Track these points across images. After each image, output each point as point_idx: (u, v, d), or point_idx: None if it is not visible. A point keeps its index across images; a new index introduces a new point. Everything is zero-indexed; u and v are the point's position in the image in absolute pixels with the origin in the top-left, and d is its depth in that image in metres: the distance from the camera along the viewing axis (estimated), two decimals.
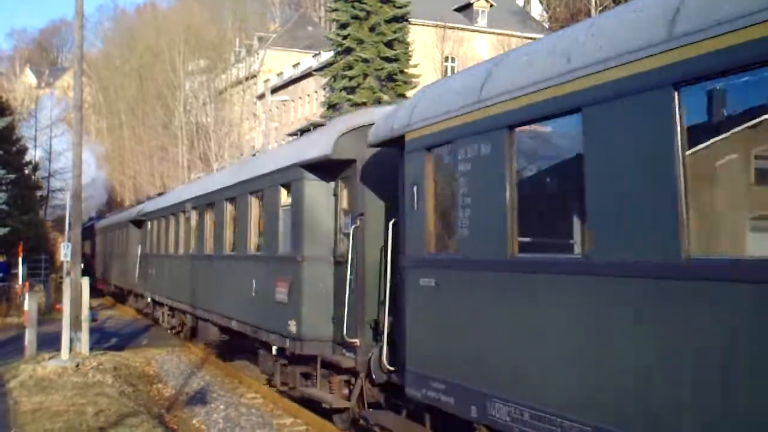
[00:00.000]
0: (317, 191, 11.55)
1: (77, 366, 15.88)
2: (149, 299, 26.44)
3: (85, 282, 18.24)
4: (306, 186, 11.63)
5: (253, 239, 14.58)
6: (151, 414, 12.78)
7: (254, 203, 14.50)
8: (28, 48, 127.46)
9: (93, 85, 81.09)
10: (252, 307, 13.95)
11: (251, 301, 13.95)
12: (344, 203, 11.20)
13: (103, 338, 21.77)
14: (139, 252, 28.38)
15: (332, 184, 11.52)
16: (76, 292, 17.93)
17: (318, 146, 11.36)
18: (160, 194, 30.98)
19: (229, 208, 16.19)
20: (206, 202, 18.04)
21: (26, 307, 19.10)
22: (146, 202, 31.76)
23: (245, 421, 12.66)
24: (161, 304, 24.51)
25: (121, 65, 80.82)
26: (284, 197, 12.67)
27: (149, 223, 26.47)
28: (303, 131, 13.75)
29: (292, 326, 11.63)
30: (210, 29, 72.24)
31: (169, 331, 23.91)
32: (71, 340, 17.03)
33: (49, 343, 18.09)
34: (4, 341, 22.18)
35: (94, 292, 37.77)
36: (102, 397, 13.27)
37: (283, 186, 12.68)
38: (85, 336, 17.57)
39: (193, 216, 19.24)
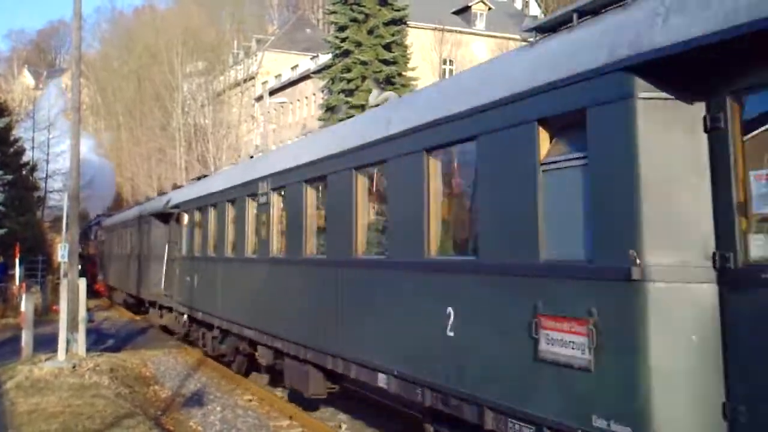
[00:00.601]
0: (665, 126, 5.37)
1: (74, 367, 15.87)
2: (185, 316, 19.99)
3: (82, 283, 18.22)
4: (641, 114, 5.37)
5: (433, 233, 8.06)
6: (148, 416, 12.77)
7: (434, 168, 8.07)
8: (26, 49, 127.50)
9: (91, 87, 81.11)
10: (448, 359, 7.43)
11: (445, 348, 7.46)
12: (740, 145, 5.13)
13: (99, 340, 21.75)
14: (166, 253, 22.65)
15: (699, 107, 5.34)
16: (72, 293, 17.91)
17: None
18: (199, 177, 23.30)
19: (360, 183, 9.86)
20: (305, 179, 11.47)
21: (23, 308, 19.09)
22: (174, 191, 26.29)
23: (242, 423, 12.65)
24: (206, 325, 17.97)
25: (119, 67, 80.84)
26: (545, 146, 6.34)
27: (185, 216, 19.81)
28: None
29: (609, 421, 5.50)
30: (208, 31, 72.31)
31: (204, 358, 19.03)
32: (68, 342, 17.01)
33: (46, 344, 18.07)
34: (0, 342, 22.14)
35: (91, 293, 37.77)
36: (98, 398, 13.27)
37: (546, 123, 6.32)
38: (81, 337, 17.56)
39: (275, 201, 12.90)
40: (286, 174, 12.36)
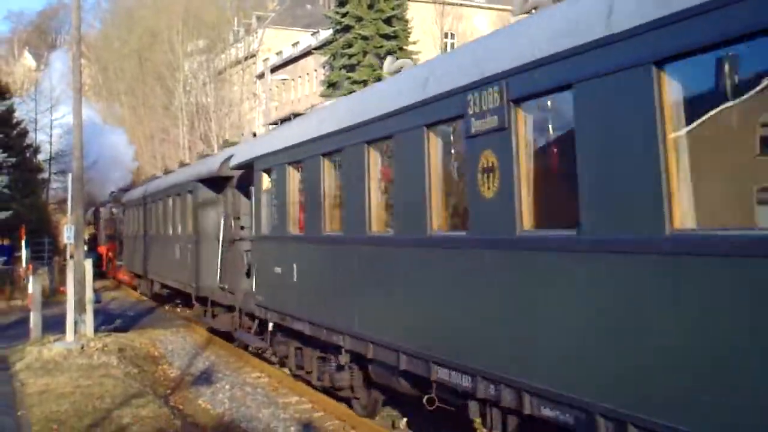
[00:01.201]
0: None
1: (82, 348, 15.96)
2: (269, 323, 13.61)
3: (89, 264, 18.27)
4: None
5: None
6: (157, 394, 12.88)
7: None
8: (27, 30, 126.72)
9: (92, 67, 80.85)
10: None
11: None
12: None
13: (107, 320, 21.85)
14: (222, 232, 17.26)
15: None
16: (79, 274, 17.97)
17: None
18: (282, 121, 14.81)
19: None
20: (657, 58, 5.16)
21: (30, 289, 19.19)
22: (236, 146, 19.73)
23: (251, 400, 12.73)
24: (304, 338, 12.16)
25: (120, 47, 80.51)
26: None
27: (266, 178, 13.61)
28: None
29: None
30: (209, 9, 71.92)
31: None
32: (76, 323, 17.10)
33: (54, 325, 18.17)
34: (9, 324, 22.27)
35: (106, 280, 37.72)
36: (107, 378, 13.35)
37: None
38: (89, 318, 17.63)
39: (521, 125, 6.77)
40: (577, 62, 5.86)
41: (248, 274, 15.16)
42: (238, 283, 15.96)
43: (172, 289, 23.83)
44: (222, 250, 17.25)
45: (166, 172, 30.62)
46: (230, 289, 16.66)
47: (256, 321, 14.76)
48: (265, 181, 13.68)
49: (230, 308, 17.11)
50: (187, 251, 20.11)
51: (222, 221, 17.34)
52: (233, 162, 15.98)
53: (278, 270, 12.65)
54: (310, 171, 11.41)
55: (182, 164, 29.54)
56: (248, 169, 14.90)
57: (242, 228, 15.87)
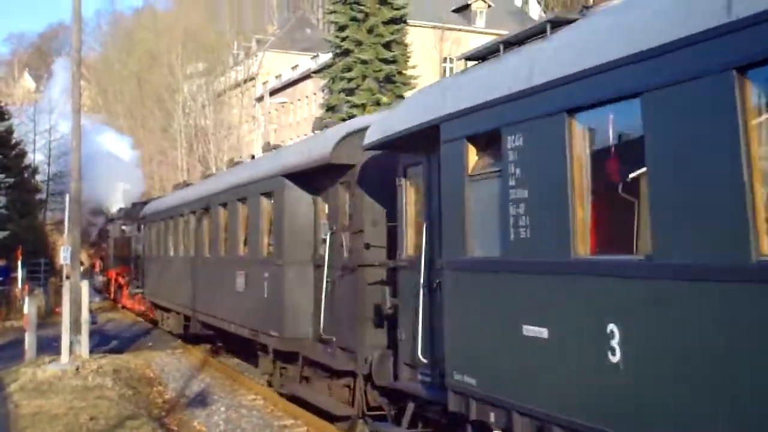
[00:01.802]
0: None
1: (77, 369, 15.86)
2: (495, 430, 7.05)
3: (84, 285, 18.21)
4: None
5: None
6: (152, 417, 12.79)
7: None
8: (27, 52, 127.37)
9: (92, 89, 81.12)
10: None
11: None
12: None
13: (103, 341, 21.74)
14: (327, 254, 11.61)
15: None
16: (75, 295, 17.90)
17: None
18: (508, 43, 7.25)
19: None
20: None
21: (26, 310, 19.10)
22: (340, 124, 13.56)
23: (246, 422, 12.65)
24: None
25: (120, 69, 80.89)
26: None
27: (477, 149, 7.45)
28: None
29: None
30: (208, 32, 72.39)
31: None
32: (71, 344, 17.01)
33: (49, 346, 18.09)
34: (3, 345, 22.17)
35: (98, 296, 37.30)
36: (102, 400, 13.26)
37: None
38: (84, 339, 17.55)
39: None
40: None
41: (381, 323, 10.48)
42: (360, 335, 10.67)
43: (227, 333, 16.95)
44: (327, 282, 11.63)
45: (206, 176, 25.03)
46: (342, 344, 11.17)
47: (412, 405, 9.08)
48: (473, 158, 7.55)
49: (339, 373, 11.51)
50: (261, 282, 13.67)
51: (328, 237, 11.60)
52: (373, 136, 9.52)
53: (540, 332, 6.32)
54: (675, 119, 4.95)
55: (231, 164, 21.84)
56: (394, 150, 9.43)
57: (367, 247, 10.55)
